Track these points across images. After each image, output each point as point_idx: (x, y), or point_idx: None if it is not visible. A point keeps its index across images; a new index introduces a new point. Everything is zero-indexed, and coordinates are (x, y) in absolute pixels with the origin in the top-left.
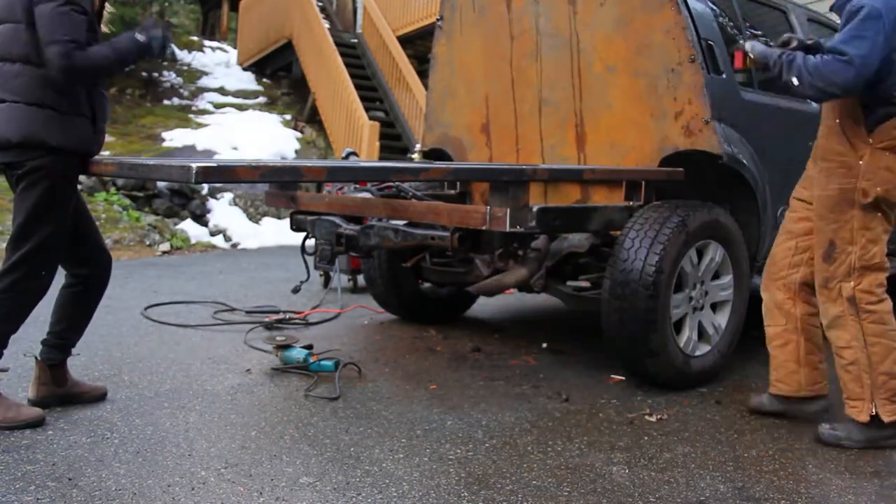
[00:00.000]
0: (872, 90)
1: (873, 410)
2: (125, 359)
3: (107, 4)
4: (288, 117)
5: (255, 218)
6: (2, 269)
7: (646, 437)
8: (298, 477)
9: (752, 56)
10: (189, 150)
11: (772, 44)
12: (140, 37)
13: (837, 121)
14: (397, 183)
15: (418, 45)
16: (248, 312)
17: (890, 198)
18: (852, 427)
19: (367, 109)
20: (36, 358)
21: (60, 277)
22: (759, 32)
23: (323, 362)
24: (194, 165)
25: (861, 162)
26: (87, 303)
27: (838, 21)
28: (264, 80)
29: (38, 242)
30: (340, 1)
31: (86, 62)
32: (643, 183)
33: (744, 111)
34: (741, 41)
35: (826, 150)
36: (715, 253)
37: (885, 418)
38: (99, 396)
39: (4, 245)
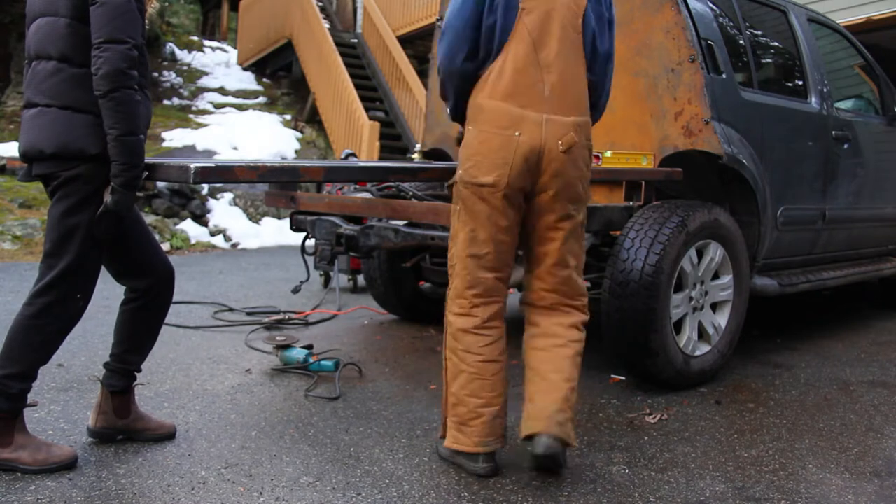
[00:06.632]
0: None
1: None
2: None
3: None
4: (288, 117)
5: (255, 218)
6: (35, 291)
7: (646, 437)
8: (298, 477)
9: None
10: (189, 150)
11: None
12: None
13: None
14: (397, 183)
15: (418, 45)
16: (248, 313)
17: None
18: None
19: (367, 109)
20: (100, 382)
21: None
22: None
23: (323, 362)
24: (193, 165)
25: None
26: (149, 320)
27: (838, 21)
28: (264, 80)
29: (74, 259)
30: (340, 1)
31: (133, 85)
32: (643, 183)
33: (744, 111)
34: None
35: None
36: (715, 253)
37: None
38: (165, 436)
39: (3, 244)
